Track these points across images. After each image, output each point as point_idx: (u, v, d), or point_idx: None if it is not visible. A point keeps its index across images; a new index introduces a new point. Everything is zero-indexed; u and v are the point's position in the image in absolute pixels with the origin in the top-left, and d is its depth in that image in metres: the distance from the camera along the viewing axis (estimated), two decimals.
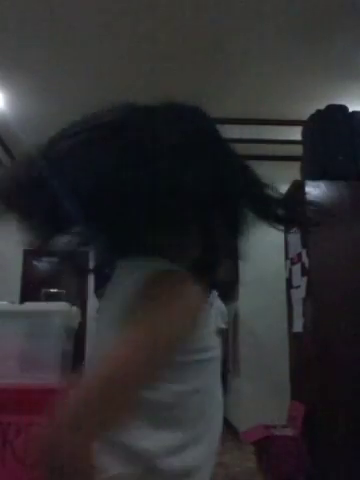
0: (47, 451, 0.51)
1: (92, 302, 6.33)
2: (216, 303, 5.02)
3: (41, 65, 3.81)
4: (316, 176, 3.00)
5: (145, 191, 0.61)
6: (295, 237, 3.08)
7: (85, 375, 0.58)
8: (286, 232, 3.29)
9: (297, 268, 3.02)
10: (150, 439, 0.63)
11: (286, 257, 3.28)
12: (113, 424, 0.56)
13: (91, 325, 6.11)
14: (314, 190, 2.92)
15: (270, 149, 4.88)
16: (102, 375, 0.54)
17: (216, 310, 4.99)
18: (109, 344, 0.57)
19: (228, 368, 5.43)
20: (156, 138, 0.66)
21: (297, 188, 3.05)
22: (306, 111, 3.34)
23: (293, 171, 3.35)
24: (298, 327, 2.96)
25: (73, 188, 0.61)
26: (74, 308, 3.22)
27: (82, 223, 0.66)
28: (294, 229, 3.09)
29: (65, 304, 3.09)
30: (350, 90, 4.08)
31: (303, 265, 2.91)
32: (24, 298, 6.00)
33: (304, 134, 3.33)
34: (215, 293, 5.05)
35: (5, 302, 3.46)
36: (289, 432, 2.84)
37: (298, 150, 3.45)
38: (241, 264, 5.24)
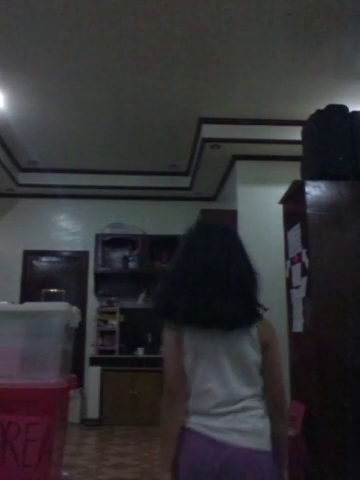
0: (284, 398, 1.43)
1: (92, 302, 6.33)
2: None
3: (41, 65, 3.81)
4: (316, 176, 2.99)
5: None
6: (295, 237, 3.08)
7: (279, 365, 1.43)
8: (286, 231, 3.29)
9: (297, 268, 3.02)
10: None
11: (286, 257, 3.28)
12: None
13: (91, 325, 6.13)
14: (314, 190, 2.91)
15: (270, 149, 4.89)
16: (282, 374, 1.44)
17: None
18: (271, 354, 1.41)
19: None
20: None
21: (297, 188, 3.05)
22: (306, 111, 3.33)
23: (293, 171, 3.34)
24: (298, 327, 2.96)
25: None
26: (74, 308, 3.21)
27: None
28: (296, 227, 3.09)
29: (65, 304, 3.09)
30: (350, 90, 4.08)
31: (303, 265, 2.91)
32: (24, 298, 6.00)
33: (304, 134, 3.32)
34: None
35: (5, 302, 3.46)
36: (289, 432, 2.84)
37: (298, 150, 3.44)
38: None
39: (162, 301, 1.43)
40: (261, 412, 1.35)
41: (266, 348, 1.39)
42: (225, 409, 1.32)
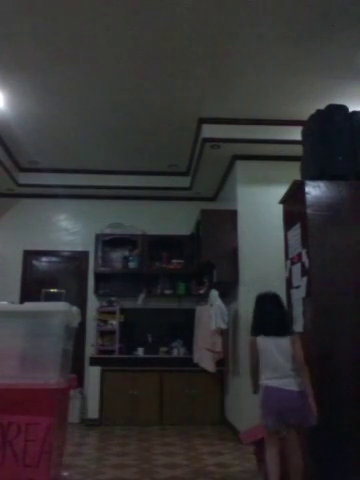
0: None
1: (92, 302, 6.33)
2: (216, 303, 5.03)
3: (41, 65, 3.81)
4: (316, 176, 3.00)
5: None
6: (295, 237, 3.08)
7: (300, 353, 2.76)
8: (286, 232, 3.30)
9: (297, 268, 3.02)
10: None
11: (286, 257, 3.28)
12: None
13: (91, 325, 6.13)
14: (314, 190, 2.92)
15: (270, 149, 4.89)
16: (303, 357, 2.76)
17: (216, 310, 5.00)
18: (296, 349, 2.76)
19: (228, 368, 5.44)
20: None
21: (297, 188, 3.05)
22: (306, 111, 3.34)
23: (293, 171, 3.35)
24: (298, 327, 2.97)
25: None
26: (74, 308, 3.21)
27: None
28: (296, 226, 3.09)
29: (65, 304, 3.09)
30: (350, 90, 4.08)
31: (303, 265, 2.91)
32: (24, 298, 6.00)
33: (304, 134, 3.33)
34: (216, 293, 5.07)
35: (5, 302, 3.46)
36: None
37: (298, 150, 3.45)
38: (241, 264, 5.22)
39: (252, 325, 2.95)
40: (296, 377, 2.69)
41: (293, 345, 2.75)
42: (283, 375, 2.70)
